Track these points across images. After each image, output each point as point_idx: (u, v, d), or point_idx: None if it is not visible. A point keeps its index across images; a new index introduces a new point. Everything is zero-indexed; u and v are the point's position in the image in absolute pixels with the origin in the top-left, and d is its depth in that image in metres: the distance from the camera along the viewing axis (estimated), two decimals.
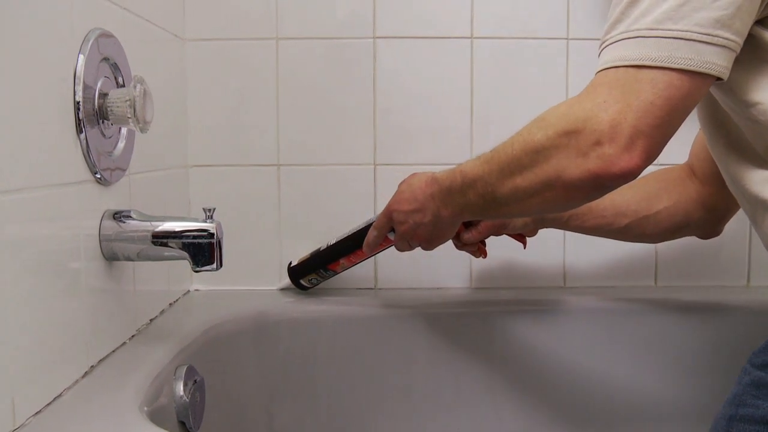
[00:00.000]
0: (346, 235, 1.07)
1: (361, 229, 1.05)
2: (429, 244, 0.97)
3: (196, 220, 0.82)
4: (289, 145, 1.18)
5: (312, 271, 1.12)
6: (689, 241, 1.09)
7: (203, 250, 0.81)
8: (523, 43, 1.18)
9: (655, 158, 0.68)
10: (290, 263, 1.15)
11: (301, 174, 1.19)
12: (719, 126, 0.82)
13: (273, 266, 1.20)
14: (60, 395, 0.70)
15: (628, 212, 1.01)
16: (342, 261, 1.09)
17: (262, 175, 1.19)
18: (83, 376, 0.75)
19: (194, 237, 0.81)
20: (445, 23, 1.17)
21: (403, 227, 0.95)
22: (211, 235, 0.81)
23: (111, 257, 0.82)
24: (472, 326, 1.14)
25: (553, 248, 1.19)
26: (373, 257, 1.09)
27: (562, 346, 1.14)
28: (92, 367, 0.77)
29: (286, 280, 1.17)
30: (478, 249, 1.05)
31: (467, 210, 0.86)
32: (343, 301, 1.15)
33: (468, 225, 1.02)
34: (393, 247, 1.03)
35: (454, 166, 0.87)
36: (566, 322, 1.14)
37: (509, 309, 1.15)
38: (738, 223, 1.11)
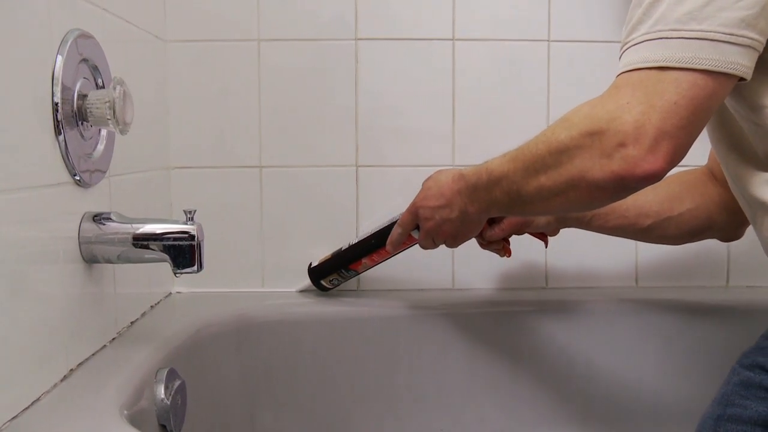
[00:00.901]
0: (368, 234, 1.07)
1: (384, 228, 1.05)
2: (454, 240, 0.97)
3: (176, 222, 0.82)
4: (272, 146, 1.18)
5: (333, 272, 1.12)
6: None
7: (184, 253, 0.81)
8: (504, 45, 1.18)
9: (681, 159, 0.68)
10: (310, 264, 1.14)
11: (283, 175, 1.19)
12: (722, 126, 0.82)
13: (255, 268, 1.20)
14: (38, 399, 0.69)
15: (650, 213, 1.01)
16: (364, 260, 1.09)
17: (245, 177, 1.19)
18: (62, 380, 0.74)
19: (175, 239, 0.81)
20: (426, 25, 1.17)
21: (429, 223, 0.95)
22: (192, 237, 0.81)
23: (90, 260, 0.81)
24: (454, 327, 1.14)
25: (535, 250, 1.20)
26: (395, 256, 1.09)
27: (543, 347, 1.14)
28: (71, 370, 0.77)
29: (306, 282, 1.16)
30: (503, 248, 1.05)
31: (493, 207, 0.87)
32: (326, 303, 1.15)
33: (491, 222, 1.02)
34: (416, 246, 1.03)
35: (480, 163, 0.87)
36: (548, 322, 1.15)
37: (491, 310, 1.15)
38: None
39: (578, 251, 1.20)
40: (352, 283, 1.20)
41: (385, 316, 1.13)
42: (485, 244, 1.05)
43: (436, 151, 1.19)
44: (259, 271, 1.20)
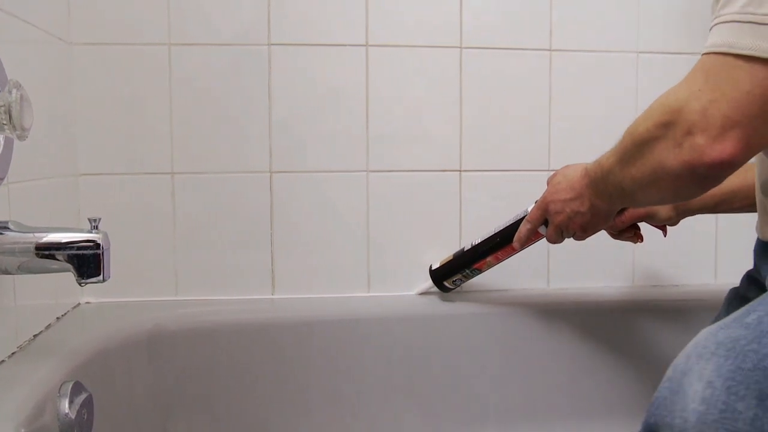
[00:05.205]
0: (492, 233, 1.09)
1: (509, 226, 1.07)
2: (584, 232, 0.97)
3: (81, 230, 0.79)
4: (184, 152, 1.16)
5: (457, 272, 1.13)
6: (577, 246, 1.13)
7: (88, 262, 0.78)
8: (417, 51, 1.19)
9: (759, 149, 0.65)
10: (431, 266, 1.16)
11: (195, 182, 1.17)
12: None
13: (168, 276, 1.17)
14: None
15: None
16: (488, 259, 1.10)
17: (156, 184, 1.16)
18: None
19: (79, 248, 0.78)
20: (340, 31, 1.18)
21: (560, 217, 0.96)
22: (97, 245, 0.78)
23: None
24: (370, 333, 1.15)
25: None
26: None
27: (449, 350, 1.17)
28: None
29: (425, 285, 1.18)
30: (635, 234, 1.06)
31: (612, 199, 0.87)
32: (239, 310, 1.14)
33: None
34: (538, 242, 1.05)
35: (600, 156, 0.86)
36: (451, 326, 1.17)
37: (406, 314, 1.16)
38: None
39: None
40: (267, 290, 1.19)
41: (300, 322, 1.13)
42: (615, 234, 1.07)
43: (349, 156, 1.19)
44: (172, 279, 1.17)
